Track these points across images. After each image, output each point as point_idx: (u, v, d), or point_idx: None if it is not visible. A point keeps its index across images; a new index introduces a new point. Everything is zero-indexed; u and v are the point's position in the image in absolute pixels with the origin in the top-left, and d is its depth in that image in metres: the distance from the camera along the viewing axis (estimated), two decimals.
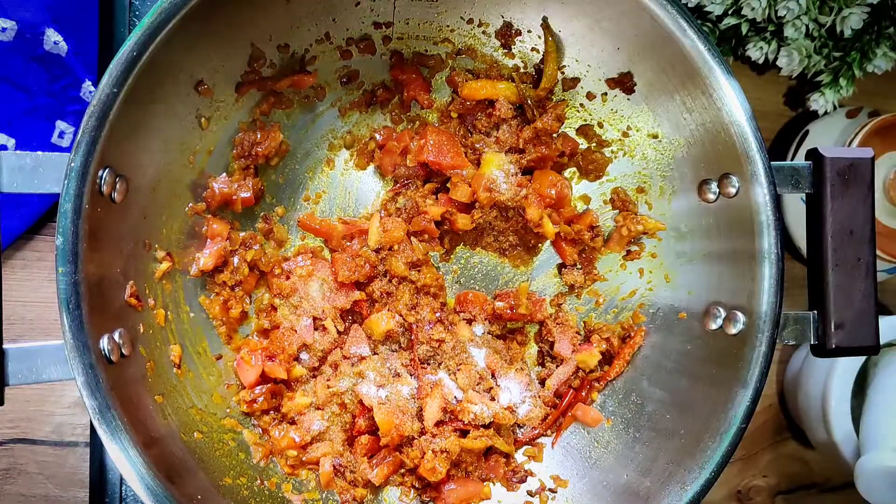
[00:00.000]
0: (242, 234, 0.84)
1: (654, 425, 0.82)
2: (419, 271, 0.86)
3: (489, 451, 0.86)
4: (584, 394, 0.88)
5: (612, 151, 0.88)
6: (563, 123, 0.87)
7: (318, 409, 0.83)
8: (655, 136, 0.83)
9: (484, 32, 0.84)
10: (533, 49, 0.85)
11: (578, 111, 0.87)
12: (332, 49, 0.83)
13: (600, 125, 0.87)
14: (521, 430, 0.88)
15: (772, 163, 0.71)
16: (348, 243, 0.87)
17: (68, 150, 0.73)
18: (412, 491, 0.84)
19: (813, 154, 0.73)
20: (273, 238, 0.86)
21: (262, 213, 0.86)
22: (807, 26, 0.92)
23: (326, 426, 0.82)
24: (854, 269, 0.72)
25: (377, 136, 0.87)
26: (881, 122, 0.91)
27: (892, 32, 0.94)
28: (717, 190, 0.76)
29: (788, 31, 0.92)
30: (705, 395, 0.76)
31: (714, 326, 0.77)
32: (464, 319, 0.88)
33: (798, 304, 1.06)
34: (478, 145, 0.86)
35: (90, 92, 0.87)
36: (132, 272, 0.73)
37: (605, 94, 0.85)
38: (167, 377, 0.76)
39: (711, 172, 0.77)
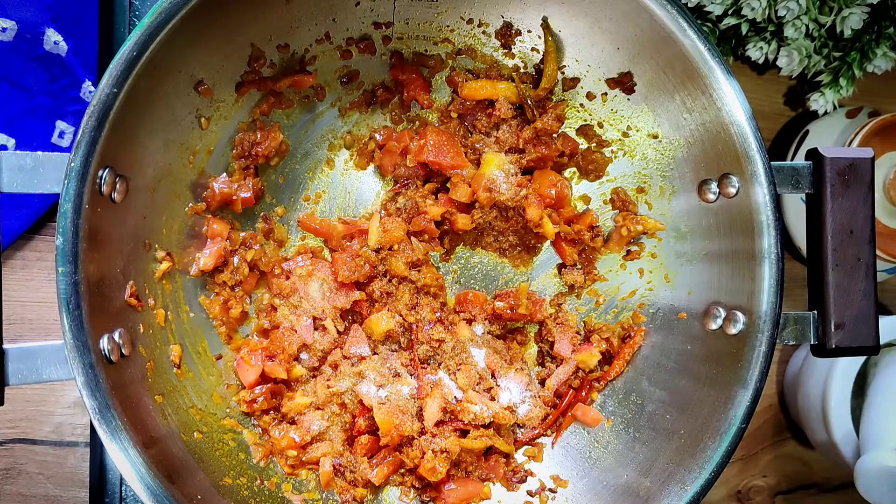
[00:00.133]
0: (242, 234, 0.84)
1: (654, 425, 0.82)
2: (419, 271, 0.86)
3: (489, 451, 0.86)
4: (584, 394, 0.88)
5: (612, 151, 0.88)
6: (563, 123, 0.87)
7: (318, 409, 0.83)
8: (655, 136, 0.83)
9: (484, 32, 0.84)
10: (533, 49, 0.85)
11: (578, 111, 0.87)
12: (332, 49, 0.83)
13: (600, 125, 0.87)
14: (521, 430, 0.88)
15: (772, 163, 0.71)
16: (348, 243, 0.87)
17: (68, 150, 0.73)
18: (412, 491, 0.84)
19: (813, 154, 0.73)
20: (273, 238, 0.86)
21: (262, 213, 0.86)
22: (807, 26, 0.92)
23: (326, 426, 0.82)
24: (854, 269, 0.72)
25: (377, 136, 0.87)
26: (881, 122, 0.91)
27: (892, 32, 0.94)
28: (717, 190, 0.76)
29: (788, 31, 0.92)
30: (705, 395, 0.76)
31: (714, 326, 0.77)
32: (464, 319, 0.88)
33: (798, 304, 1.06)
34: (478, 145, 0.86)
35: (90, 92, 0.87)
36: (132, 272, 0.73)
37: (605, 94, 0.85)
38: (167, 377, 0.76)
39: (711, 172, 0.77)
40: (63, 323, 0.62)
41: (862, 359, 0.96)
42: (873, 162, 0.73)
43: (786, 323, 0.73)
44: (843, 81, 0.96)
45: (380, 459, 0.82)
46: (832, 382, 0.95)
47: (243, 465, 0.79)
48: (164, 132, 0.73)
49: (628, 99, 0.83)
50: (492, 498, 0.85)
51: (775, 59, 0.97)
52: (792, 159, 1.02)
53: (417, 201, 0.86)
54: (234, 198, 0.82)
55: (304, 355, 0.84)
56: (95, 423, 0.63)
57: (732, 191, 0.74)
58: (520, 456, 0.88)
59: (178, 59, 0.70)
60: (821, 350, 0.73)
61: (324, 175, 0.88)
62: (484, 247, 0.90)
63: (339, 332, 0.86)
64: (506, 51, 0.86)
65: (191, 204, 0.80)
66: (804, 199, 0.78)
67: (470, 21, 0.83)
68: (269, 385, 0.82)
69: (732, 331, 0.74)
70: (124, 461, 0.63)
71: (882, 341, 0.75)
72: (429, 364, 0.86)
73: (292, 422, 0.82)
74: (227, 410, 0.81)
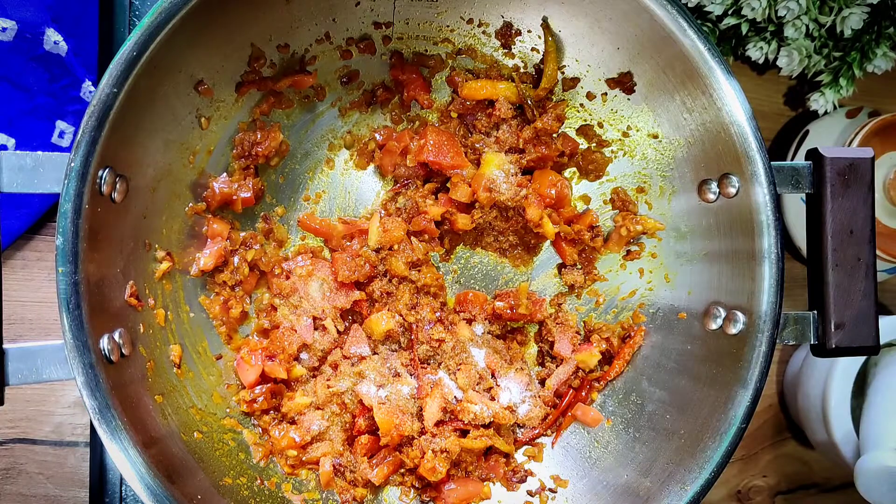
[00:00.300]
0: (242, 234, 0.84)
1: (654, 425, 0.82)
2: (419, 271, 0.86)
3: (489, 451, 0.86)
4: (584, 394, 0.88)
5: (612, 151, 0.88)
6: (563, 123, 0.87)
7: (318, 409, 0.83)
8: (655, 136, 0.83)
9: (484, 32, 0.84)
10: (533, 49, 0.85)
11: (578, 111, 0.87)
12: (332, 49, 0.83)
13: (600, 125, 0.87)
14: (521, 430, 0.88)
15: (772, 163, 0.71)
16: (348, 243, 0.87)
17: (68, 150, 0.73)
18: (412, 491, 0.84)
19: (813, 154, 0.73)
20: (273, 238, 0.86)
21: (262, 213, 0.86)
22: (807, 26, 0.92)
23: (326, 426, 0.82)
24: (854, 269, 0.72)
25: (377, 136, 0.87)
26: (881, 122, 0.91)
27: (892, 32, 0.94)
28: (717, 190, 0.76)
29: (788, 31, 0.92)
30: (705, 395, 0.76)
31: (714, 326, 0.77)
32: (464, 319, 0.88)
33: (798, 304, 1.06)
34: (478, 145, 0.86)
35: (90, 92, 0.87)
36: (132, 272, 0.73)
37: (605, 94, 0.85)
38: (167, 377, 0.76)
39: (711, 172, 0.77)
40: (63, 323, 0.62)
41: (862, 359, 0.96)
42: (873, 162, 0.73)
43: (786, 323, 0.73)
44: (843, 81, 0.96)
45: (380, 459, 0.82)
46: (832, 382, 0.95)
47: (243, 465, 0.79)
48: (164, 132, 0.73)
49: (628, 99, 0.83)
50: (492, 498, 0.85)
51: (775, 59, 0.97)
52: (792, 159, 1.02)
53: (417, 201, 0.86)
54: (234, 198, 0.82)
55: (304, 355, 0.84)
56: (95, 423, 0.63)
57: (732, 191, 0.74)
58: (520, 456, 0.88)
59: (178, 59, 0.70)
60: (821, 350, 0.73)
61: (324, 175, 0.88)
62: (484, 247, 0.90)
63: (339, 332, 0.86)
64: (506, 51, 0.86)
65: (191, 204, 0.80)
66: (804, 199, 0.78)
67: (470, 21, 0.83)
68: (269, 385, 0.82)
69: (732, 331, 0.74)
70: (124, 461, 0.63)
71: (882, 341, 0.75)
72: (429, 364, 0.86)
73: (292, 422, 0.82)
74: (227, 410, 0.81)
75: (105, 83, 0.63)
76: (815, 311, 0.73)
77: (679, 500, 0.72)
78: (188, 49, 0.70)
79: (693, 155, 0.79)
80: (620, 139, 0.87)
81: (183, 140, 0.77)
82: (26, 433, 0.89)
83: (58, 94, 0.86)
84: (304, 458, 0.81)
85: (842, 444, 0.95)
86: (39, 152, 0.63)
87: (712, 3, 0.93)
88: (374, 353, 0.86)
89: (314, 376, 0.85)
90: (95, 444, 0.89)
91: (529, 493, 0.85)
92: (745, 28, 0.94)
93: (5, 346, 0.63)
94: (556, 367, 0.88)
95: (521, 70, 0.87)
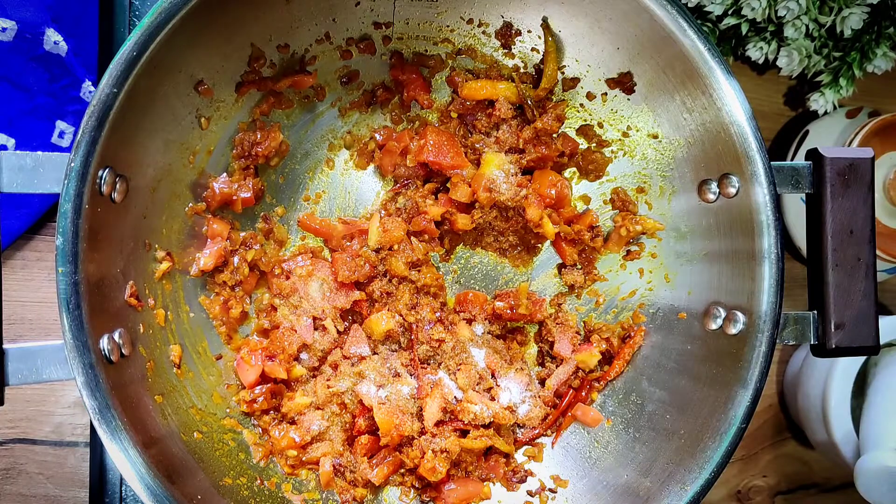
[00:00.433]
0: (242, 234, 0.84)
1: (654, 425, 0.82)
2: (419, 271, 0.86)
3: (489, 451, 0.86)
4: (584, 394, 0.88)
5: (612, 151, 0.88)
6: (563, 123, 0.87)
7: (318, 409, 0.83)
8: (655, 136, 0.83)
9: (484, 32, 0.84)
10: (533, 49, 0.85)
11: (578, 111, 0.87)
12: (332, 49, 0.83)
13: (600, 125, 0.87)
14: (521, 430, 0.88)
15: (772, 163, 0.71)
16: (348, 243, 0.87)
17: (68, 150, 0.73)
18: (412, 491, 0.84)
19: (813, 154, 0.73)
20: (273, 238, 0.86)
21: (262, 213, 0.86)
22: (807, 26, 0.92)
23: (326, 426, 0.82)
24: (854, 269, 0.72)
25: (377, 136, 0.87)
26: (881, 122, 0.91)
27: (892, 32, 0.94)
28: (717, 190, 0.76)
29: (788, 31, 0.92)
30: (705, 395, 0.76)
31: (714, 326, 0.77)
32: (464, 319, 0.88)
33: (798, 304, 1.06)
34: (478, 145, 0.86)
35: (90, 92, 0.87)
36: (132, 272, 0.73)
37: (605, 94, 0.85)
38: (167, 377, 0.76)
39: (711, 172, 0.77)
40: (63, 323, 0.62)
41: (862, 359, 0.96)
42: (873, 162, 0.73)
43: (786, 323, 0.73)
44: (843, 81, 0.96)
45: (380, 459, 0.82)
46: (832, 382, 0.95)
47: (243, 465, 0.79)
48: (164, 132, 0.73)
49: (628, 99, 0.83)
50: (492, 498, 0.85)
51: (775, 59, 0.97)
52: (792, 159, 1.02)
53: (417, 201, 0.86)
54: (234, 198, 0.82)
55: (304, 355, 0.84)
56: (95, 423, 0.63)
57: (732, 191, 0.74)
58: (520, 456, 0.88)
59: (178, 59, 0.70)
60: (821, 350, 0.73)
61: (324, 175, 0.88)
62: (484, 247, 0.90)
63: (339, 332, 0.86)
64: (506, 51, 0.86)
65: (191, 204, 0.80)
66: (804, 199, 0.78)
67: (470, 21, 0.83)
68: (269, 385, 0.82)
69: (732, 331, 0.74)
70: (124, 461, 0.63)
71: (882, 341, 0.75)
72: (429, 364, 0.86)
73: (292, 422, 0.82)
74: (227, 410, 0.81)
75: (105, 83, 0.63)
76: (815, 311, 0.73)
77: (679, 500, 0.72)
78: (188, 49, 0.70)
79: (693, 155, 0.79)
80: (620, 139, 0.87)
81: (183, 140, 0.77)
82: (26, 433, 0.89)
83: (58, 94, 0.86)
84: (304, 459, 0.81)
85: (842, 444, 0.95)
86: (39, 152, 0.63)
87: (712, 3, 0.93)
88: (374, 353, 0.86)
89: (314, 376, 0.85)
90: (95, 444, 0.89)
91: (529, 493, 0.85)
92: (745, 28, 0.94)
93: (5, 346, 0.63)
94: (556, 367, 0.88)
95: (521, 70, 0.87)
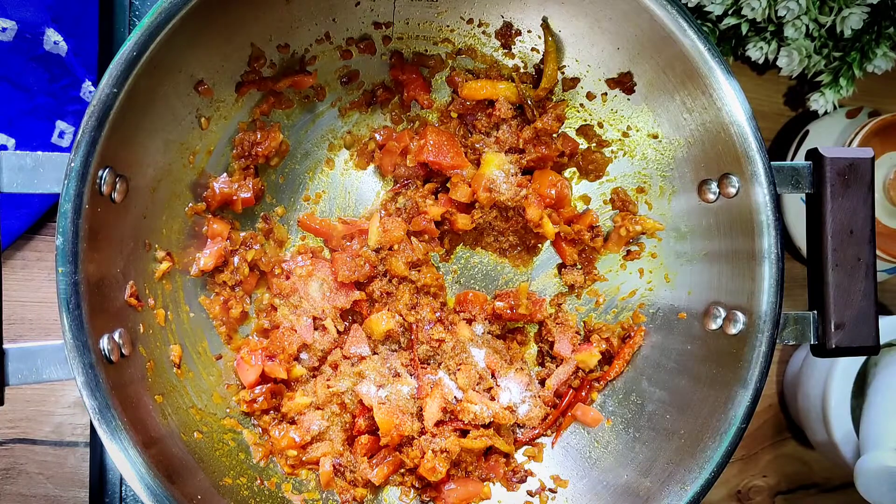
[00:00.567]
0: (242, 234, 0.84)
1: (654, 425, 0.82)
2: (419, 271, 0.86)
3: (489, 451, 0.86)
4: (584, 394, 0.88)
5: (612, 151, 0.88)
6: (563, 123, 0.87)
7: (318, 409, 0.83)
8: (655, 136, 0.83)
9: (484, 32, 0.84)
10: (533, 49, 0.85)
11: (578, 111, 0.87)
12: (332, 49, 0.83)
13: (600, 125, 0.87)
14: (521, 430, 0.88)
15: (772, 163, 0.71)
16: (348, 243, 0.87)
17: (68, 150, 0.73)
18: (412, 491, 0.84)
19: (813, 154, 0.73)
20: (273, 238, 0.86)
21: (262, 213, 0.86)
22: (807, 26, 0.92)
23: (326, 426, 0.82)
24: (854, 269, 0.72)
25: (377, 136, 0.87)
26: (881, 122, 0.91)
27: (892, 32, 0.94)
28: (717, 190, 0.76)
29: (788, 31, 0.92)
30: (705, 395, 0.76)
31: (714, 326, 0.77)
32: (464, 319, 0.88)
33: (798, 304, 1.06)
34: (478, 145, 0.86)
35: (90, 92, 0.87)
36: (132, 272, 0.73)
37: (605, 94, 0.85)
38: (167, 377, 0.76)
39: (711, 172, 0.77)
40: (63, 323, 0.62)
41: (862, 359, 0.96)
42: (873, 162, 0.73)
43: (786, 323, 0.73)
44: (843, 81, 0.96)
45: (380, 459, 0.82)
46: (832, 382, 0.95)
47: (243, 465, 0.79)
48: (164, 132, 0.73)
49: (628, 99, 0.83)
50: (492, 498, 0.85)
51: (775, 59, 0.97)
52: (792, 159, 1.02)
53: (417, 201, 0.86)
54: (234, 198, 0.82)
55: (304, 355, 0.84)
56: (95, 423, 0.63)
57: (732, 191, 0.74)
58: (520, 456, 0.88)
59: (178, 59, 0.70)
60: (821, 350, 0.73)
61: (324, 175, 0.88)
62: (484, 247, 0.90)
63: (339, 332, 0.86)
64: (506, 51, 0.86)
65: (191, 204, 0.80)
66: (804, 199, 0.78)
67: (470, 21, 0.83)
68: (269, 385, 0.82)
69: (732, 331, 0.74)
70: (124, 461, 0.63)
71: (882, 341, 0.75)
72: (429, 364, 0.86)
73: (292, 422, 0.82)
74: (227, 410, 0.81)
75: (105, 83, 0.63)
76: (815, 311, 0.73)
77: (679, 500, 0.72)
78: (188, 49, 0.70)
79: (693, 155, 0.79)
80: (620, 139, 0.87)
81: (183, 140, 0.77)
82: (26, 433, 0.89)
83: (58, 94, 0.86)
84: (304, 458, 0.81)
85: (842, 444, 0.95)
86: (39, 152, 0.63)
87: (712, 3, 0.93)
88: (374, 353, 0.86)
89: (314, 376, 0.85)
90: (95, 444, 0.89)
91: (529, 493, 0.85)
92: (745, 28, 0.94)
93: (5, 346, 0.63)
94: (556, 367, 0.88)
95: (521, 70, 0.87)
